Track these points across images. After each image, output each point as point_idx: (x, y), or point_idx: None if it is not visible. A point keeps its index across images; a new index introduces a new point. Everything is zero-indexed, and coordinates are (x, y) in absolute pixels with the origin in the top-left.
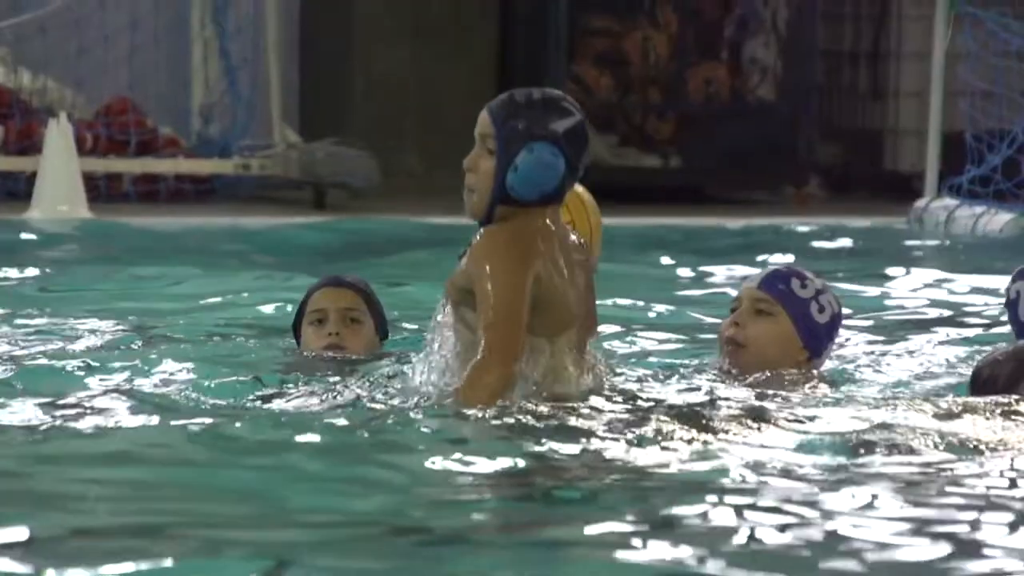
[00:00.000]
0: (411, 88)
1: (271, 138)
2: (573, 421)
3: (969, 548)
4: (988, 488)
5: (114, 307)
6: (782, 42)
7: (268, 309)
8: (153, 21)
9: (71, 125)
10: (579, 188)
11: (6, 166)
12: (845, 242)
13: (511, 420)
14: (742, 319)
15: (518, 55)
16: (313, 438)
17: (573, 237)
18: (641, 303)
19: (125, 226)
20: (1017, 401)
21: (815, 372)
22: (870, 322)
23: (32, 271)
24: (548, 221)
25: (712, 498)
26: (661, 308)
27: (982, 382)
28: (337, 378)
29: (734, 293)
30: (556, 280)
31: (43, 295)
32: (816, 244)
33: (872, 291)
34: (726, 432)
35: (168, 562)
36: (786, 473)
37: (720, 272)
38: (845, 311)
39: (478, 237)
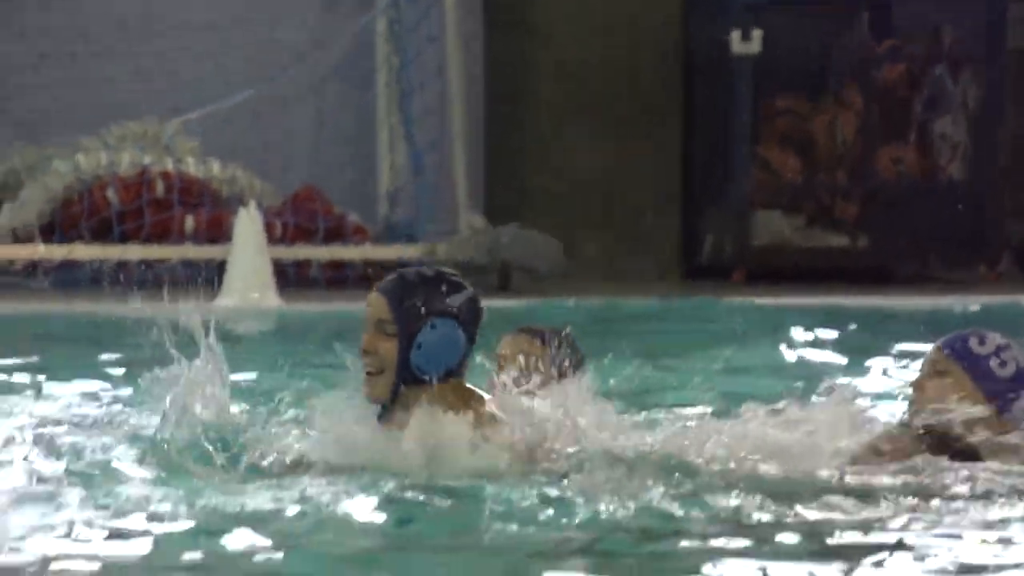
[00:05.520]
0: (594, 174)
1: (457, 223)
2: None
3: None
4: None
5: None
6: (972, 120)
7: None
8: (339, 110)
9: (260, 214)
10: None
11: (196, 255)
12: None
13: None
14: (920, 381)
15: (701, 139)
16: None
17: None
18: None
19: (314, 314)
20: None
21: (1007, 424)
22: None
23: (225, 359)
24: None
25: None
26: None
27: None
28: None
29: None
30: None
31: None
32: (1009, 322)
33: None
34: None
35: None
36: None
37: (909, 349)
38: None
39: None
